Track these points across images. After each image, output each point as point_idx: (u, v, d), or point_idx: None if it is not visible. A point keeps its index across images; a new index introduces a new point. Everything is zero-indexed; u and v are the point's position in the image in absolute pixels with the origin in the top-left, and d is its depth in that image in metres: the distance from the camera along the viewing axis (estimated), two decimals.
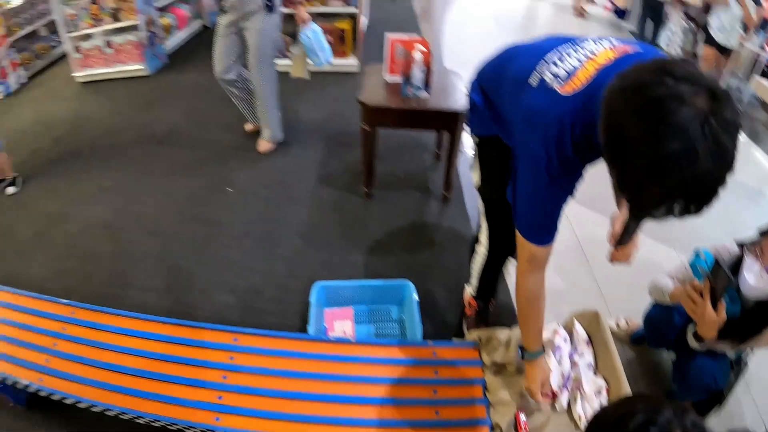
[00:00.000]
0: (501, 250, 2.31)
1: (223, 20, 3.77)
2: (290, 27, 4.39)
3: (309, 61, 3.96)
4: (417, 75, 3.19)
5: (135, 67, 5.78)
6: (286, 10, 4.12)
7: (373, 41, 5.42)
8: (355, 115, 3.69)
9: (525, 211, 1.62)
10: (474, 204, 3.40)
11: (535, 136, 1.43)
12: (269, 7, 3.56)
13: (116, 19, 5.67)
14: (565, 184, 1.53)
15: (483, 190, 2.18)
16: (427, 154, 4.21)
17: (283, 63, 4.59)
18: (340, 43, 4.74)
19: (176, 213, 3.65)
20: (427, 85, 3.25)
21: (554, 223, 1.61)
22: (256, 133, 4.36)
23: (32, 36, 7.67)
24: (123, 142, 4.55)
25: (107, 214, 3.63)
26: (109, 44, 5.80)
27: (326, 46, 3.94)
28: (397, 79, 3.40)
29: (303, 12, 3.78)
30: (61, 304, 2.26)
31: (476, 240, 2.44)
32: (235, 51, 3.87)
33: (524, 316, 1.83)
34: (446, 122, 3.31)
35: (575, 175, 1.52)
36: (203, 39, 6.54)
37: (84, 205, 3.76)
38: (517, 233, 1.66)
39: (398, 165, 4.11)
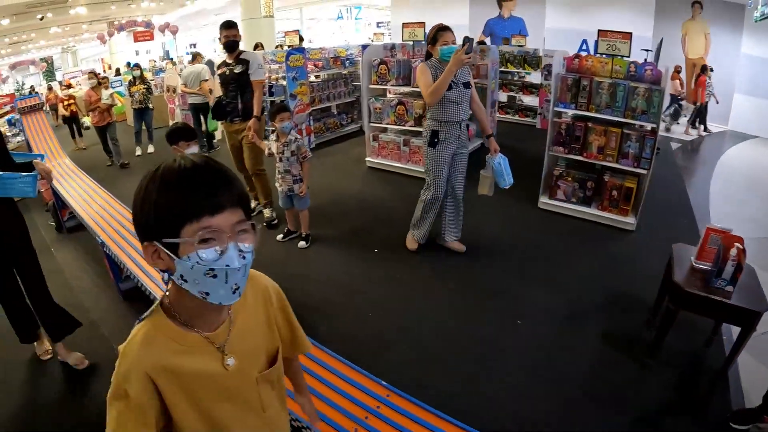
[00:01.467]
0: None
1: None
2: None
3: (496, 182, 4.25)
4: (729, 270, 3.32)
5: (422, 170, 6.25)
6: None
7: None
8: (638, 279, 3.87)
9: None
10: None
11: None
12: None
13: (418, 123, 6.27)
14: None
15: None
16: (699, 335, 4.10)
17: None
18: (624, 201, 4.92)
19: (462, 312, 3.78)
20: (734, 279, 3.35)
21: None
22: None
23: (327, 110, 8.90)
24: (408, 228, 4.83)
25: (391, 301, 3.90)
26: (406, 143, 6.46)
27: (510, 171, 4.20)
28: (704, 266, 3.52)
29: (494, 143, 4.15)
30: (379, 384, 2.41)
31: None
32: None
33: None
34: (745, 319, 3.34)
35: None
36: (483, 156, 6.85)
37: (369, 283, 4.15)
38: None
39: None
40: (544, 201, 5.35)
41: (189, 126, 4.15)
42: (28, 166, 2.98)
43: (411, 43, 6.59)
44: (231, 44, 5.01)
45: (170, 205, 0.99)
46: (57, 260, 5.26)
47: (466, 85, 4.08)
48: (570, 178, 5.17)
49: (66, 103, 10.35)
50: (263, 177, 5.31)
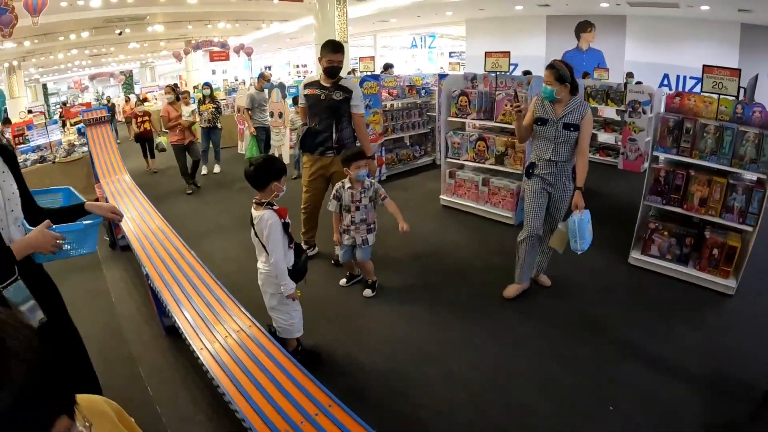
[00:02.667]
0: None
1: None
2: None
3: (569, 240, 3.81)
4: None
5: (503, 213, 5.77)
6: None
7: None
8: (741, 356, 3.32)
9: None
10: None
11: None
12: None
13: (499, 162, 5.76)
14: None
15: None
16: None
17: None
18: (725, 261, 4.31)
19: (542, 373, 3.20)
20: None
21: None
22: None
23: (399, 141, 8.52)
24: (486, 283, 4.44)
25: (465, 372, 3.34)
26: (485, 182, 5.92)
27: (589, 236, 3.74)
28: None
29: (579, 199, 3.72)
30: (323, 392, 2.40)
31: None
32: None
33: None
34: None
35: None
36: None
37: (441, 349, 3.59)
38: None
39: None
40: (635, 256, 4.67)
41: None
42: (71, 213, 2.43)
43: (494, 73, 6.07)
44: (334, 70, 4.54)
45: None
46: (106, 279, 5.11)
47: (571, 126, 3.76)
48: (666, 233, 4.51)
49: (140, 120, 9.90)
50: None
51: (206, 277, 3.58)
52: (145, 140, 9.94)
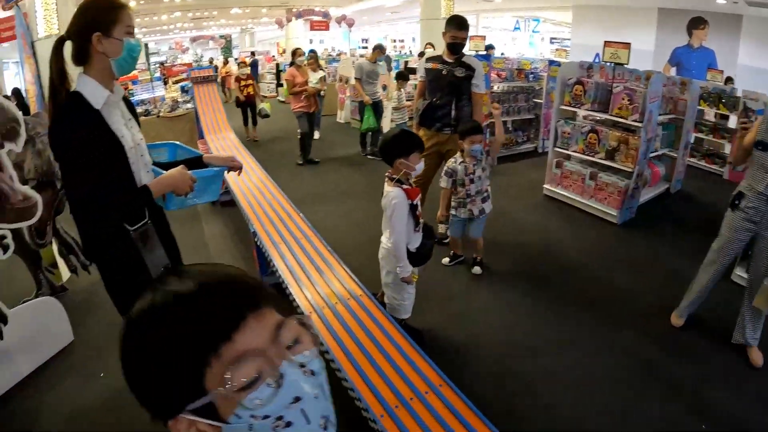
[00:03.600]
0: None
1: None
2: None
3: None
4: None
5: (607, 210, 5.53)
6: None
7: None
8: None
9: None
10: None
11: None
12: None
13: (610, 157, 5.54)
14: None
15: None
16: None
17: None
18: None
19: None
20: None
21: None
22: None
23: (503, 124, 8.37)
24: (586, 280, 4.27)
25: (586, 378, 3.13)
26: (593, 176, 5.71)
27: None
28: None
29: None
30: (433, 370, 2.38)
31: None
32: None
33: None
34: None
35: None
36: (665, 203, 6.23)
37: (552, 341, 3.46)
38: None
39: None
40: None
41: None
42: (189, 164, 2.29)
43: (611, 64, 5.82)
44: (458, 47, 4.47)
45: (171, 350, 0.62)
46: (205, 233, 5.26)
47: None
48: None
49: (243, 83, 9.46)
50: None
51: (316, 241, 3.60)
52: (247, 105, 9.60)
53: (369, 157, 8.31)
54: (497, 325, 3.65)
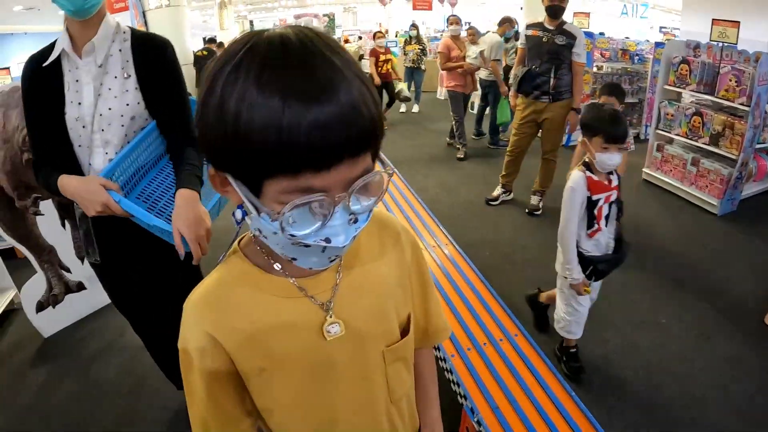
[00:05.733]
0: None
1: None
2: None
3: None
4: None
5: (707, 199, 5.32)
6: None
7: None
8: None
9: None
10: None
11: None
12: None
13: (713, 143, 5.32)
14: None
15: None
16: None
17: None
18: None
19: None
20: None
21: None
22: None
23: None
24: (680, 266, 4.19)
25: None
26: (694, 162, 5.51)
27: None
28: None
29: None
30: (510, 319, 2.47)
31: None
32: None
33: None
34: None
35: None
36: None
37: (641, 320, 3.47)
38: None
39: None
40: None
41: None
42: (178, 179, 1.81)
43: (719, 44, 5.54)
44: (557, 10, 4.42)
45: (254, 131, 0.58)
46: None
47: None
48: None
49: (382, 59, 8.01)
50: (553, 165, 4.92)
51: (407, 193, 3.76)
52: (382, 86, 8.25)
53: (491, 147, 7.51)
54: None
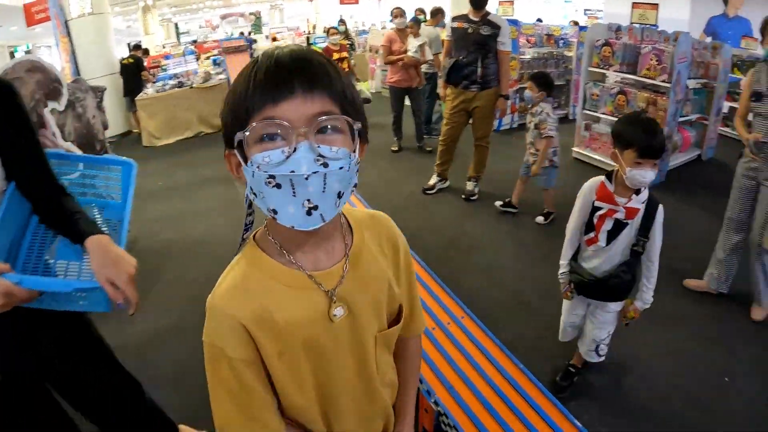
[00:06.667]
0: None
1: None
2: None
3: None
4: None
5: None
6: None
7: None
8: None
9: None
10: None
11: None
12: None
13: None
14: None
15: None
16: None
17: None
18: None
19: None
20: None
21: None
22: None
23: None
24: None
25: None
26: None
27: None
28: None
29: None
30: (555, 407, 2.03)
31: None
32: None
33: None
34: None
35: None
36: (696, 170, 6.11)
37: None
38: None
39: None
40: None
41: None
42: (73, 234, 1.47)
43: (640, 26, 5.77)
44: (480, 1, 4.55)
45: (238, 95, 0.80)
46: (239, 194, 5.43)
47: None
48: None
49: (336, 57, 7.08)
50: (486, 151, 5.00)
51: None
52: None
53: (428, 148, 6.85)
54: (527, 276, 3.81)
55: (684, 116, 5.83)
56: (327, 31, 8.09)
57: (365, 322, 0.99)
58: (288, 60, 0.78)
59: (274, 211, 0.81)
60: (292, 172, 0.76)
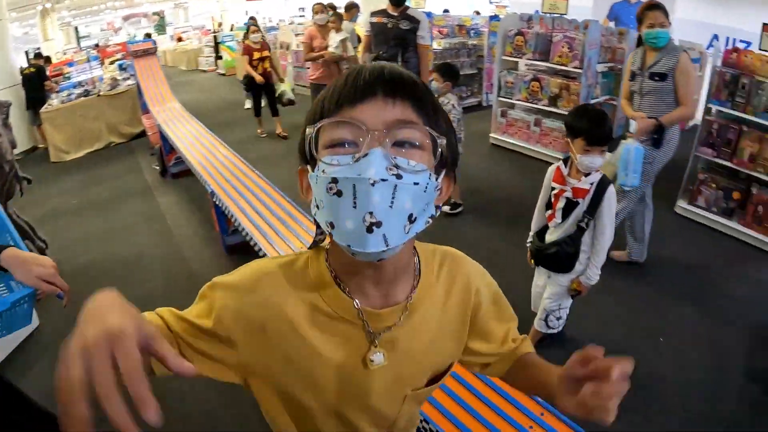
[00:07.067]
0: None
1: None
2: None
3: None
4: None
5: (552, 154, 5.73)
6: None
7: None
8: None
9: None
10: None
11: None
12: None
13: (553, 103, 5.74)
14: None
15: None
16: None
17: None
18: None
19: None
20: None
21: None
22: None
23: None
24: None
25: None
26: (537, 123, 5.92)
27: (639, 170, 3.47)
28: None
29: (645, 125, 3.50)
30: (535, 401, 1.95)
31: None
32: None
33: None
34: None
35: None
36: (609, 147, 6.36)
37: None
38: None
39: None
40: (681, 206, 4.60)
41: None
42: None
43: (551, 15, 5.98)
44: None
45: (317, 104, 0.75)
46: (160, 205, 5.26)
47: (657, 76, 3.38)
48: (714, 185, 4.40)
49: (257, 56, 6.89)
50: None
51: (276, 195, 3.63)
52: (262, 88, 7.20)
53: None
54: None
55: (594, 98, 6.07)
56: (247, 29, 7.74)
57: (404, 374, 0.87)
58: (372, 67, 0.72)
59: (332, 225, 0.69)
60: (358, 175, 0.65)
